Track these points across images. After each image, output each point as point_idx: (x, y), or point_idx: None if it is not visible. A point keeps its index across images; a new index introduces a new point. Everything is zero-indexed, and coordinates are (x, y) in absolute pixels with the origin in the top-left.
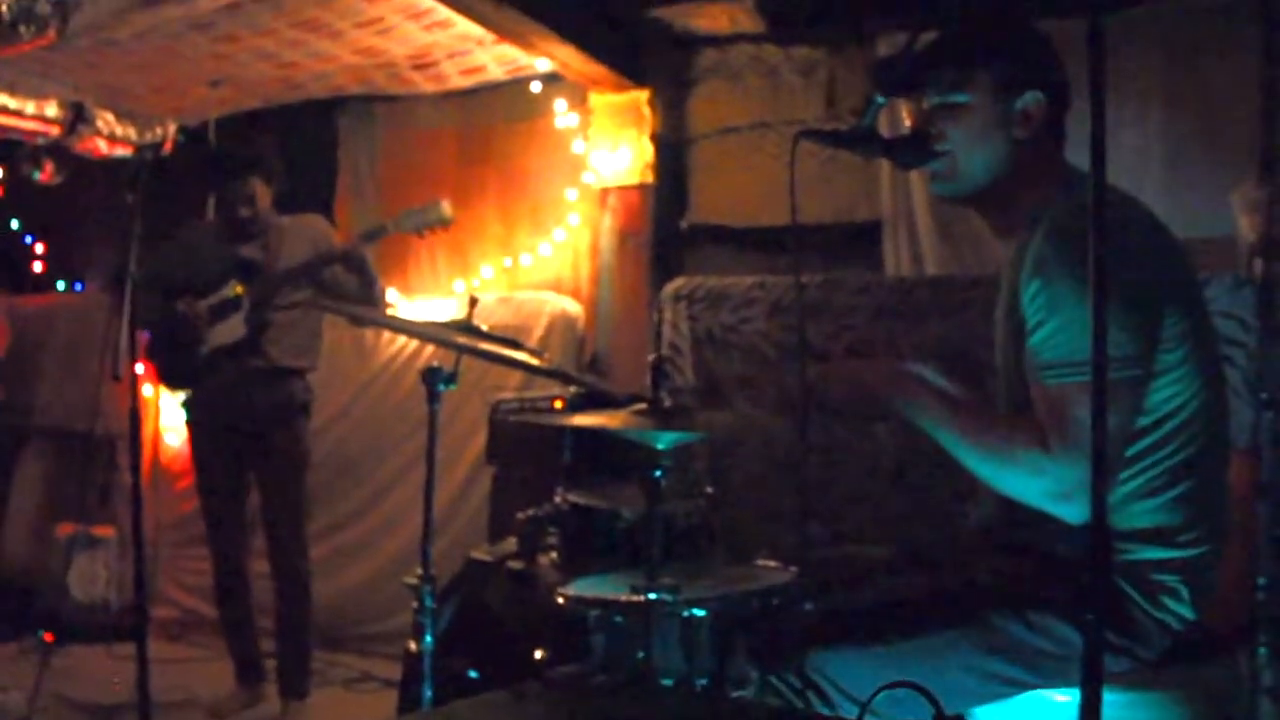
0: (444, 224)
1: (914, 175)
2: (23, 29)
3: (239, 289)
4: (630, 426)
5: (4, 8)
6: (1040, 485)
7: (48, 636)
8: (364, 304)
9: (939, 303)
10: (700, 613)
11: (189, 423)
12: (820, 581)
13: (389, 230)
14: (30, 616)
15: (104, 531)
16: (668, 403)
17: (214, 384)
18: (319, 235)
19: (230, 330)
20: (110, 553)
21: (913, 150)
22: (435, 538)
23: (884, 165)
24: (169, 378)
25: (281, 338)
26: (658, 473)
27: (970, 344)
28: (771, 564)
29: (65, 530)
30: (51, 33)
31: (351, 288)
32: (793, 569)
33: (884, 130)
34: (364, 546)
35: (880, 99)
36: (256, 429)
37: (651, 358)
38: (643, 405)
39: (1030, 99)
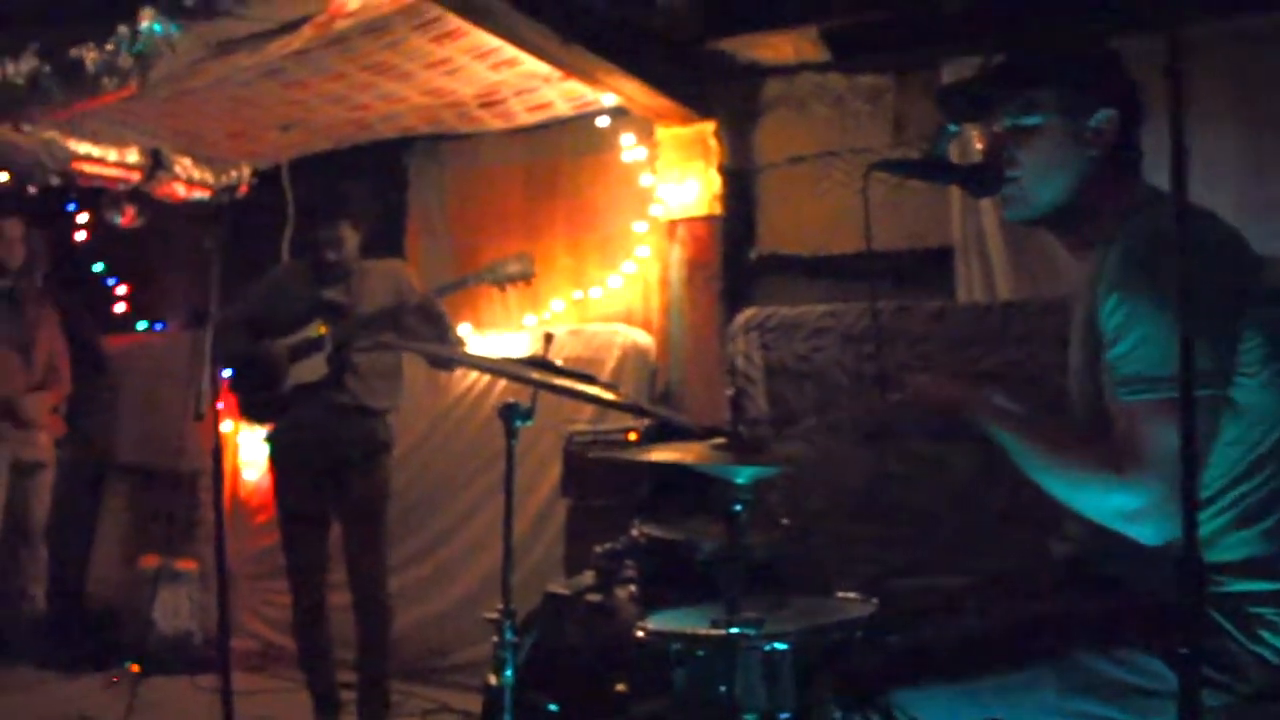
0: (526, 278)
1: (985, 200)
2: (106, 81)
3: (322, 329)
4: (711, 461)
5: (88, 61)
6: (1113, 505)
7: (134, 668)
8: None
9: (1013, 328)
10: (782, 646)
11: (272, 457)
12: (901, 613)
13: (470, 283)
14: (116, 648)
15: (187, 565)
16: (746, 436)
17: (297, 419)
18: (401, 281)
19: (312, 368)
20: (193, 586)
21: (985, 178)
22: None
23: (954, 190)
24: (250, 412)
25: (364, 378)
26: (738, 507)
27: (1045, 369)
28: (852, 595)
29: (149, 563)
30: (133, 84)
31: (427, 337)
32: (874, 600)
33: (954, 156)
34: (440, 579)
35: (952, 127)
36: (340, 464)
37: (729, 392)
38: (721, 439)
39: (1102, 117)
